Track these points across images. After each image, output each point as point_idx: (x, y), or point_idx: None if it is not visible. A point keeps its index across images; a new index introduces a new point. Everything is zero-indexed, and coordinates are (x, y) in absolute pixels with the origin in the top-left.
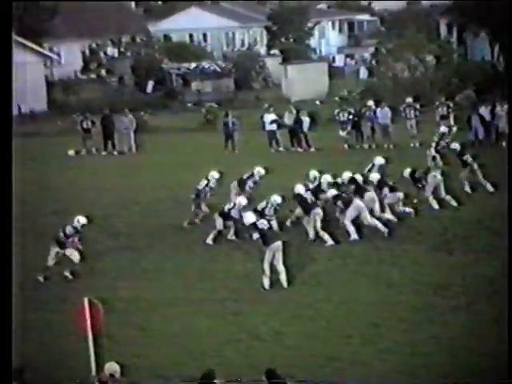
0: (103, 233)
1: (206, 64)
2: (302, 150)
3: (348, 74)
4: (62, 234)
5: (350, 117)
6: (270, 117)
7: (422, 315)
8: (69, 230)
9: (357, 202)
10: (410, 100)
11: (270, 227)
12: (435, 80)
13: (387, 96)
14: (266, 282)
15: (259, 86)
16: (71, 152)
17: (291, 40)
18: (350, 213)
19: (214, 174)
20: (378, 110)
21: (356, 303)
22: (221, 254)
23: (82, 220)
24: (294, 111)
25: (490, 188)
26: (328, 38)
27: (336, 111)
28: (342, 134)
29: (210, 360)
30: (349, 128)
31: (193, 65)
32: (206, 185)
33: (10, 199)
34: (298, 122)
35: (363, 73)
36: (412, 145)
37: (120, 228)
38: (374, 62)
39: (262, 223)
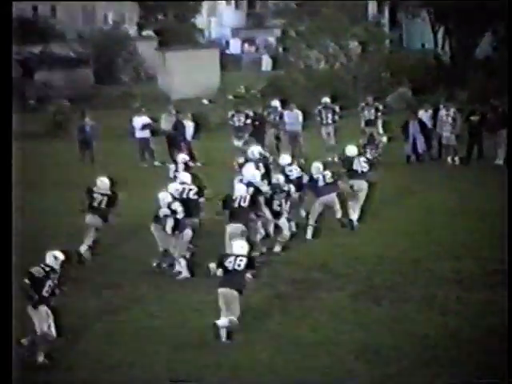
0: None
1: (55, 47)
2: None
3: (246, 64)
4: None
5: (248, 121)
6: (141, 120)
7: None
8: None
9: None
10: (327, 100)
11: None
12: (360, 74)
13: (297, 94)
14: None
15: (128, 78)
16: None
17: (171, 17)
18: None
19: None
20: (286, 112)
21: (260, 369)
22: None
23: (60, 256)
24: (174, 113)
25: None
26: (220, 16)
27: (230, 114)
28: (238, 143)
29: None
30: (246, 136)
31: (37, 48)
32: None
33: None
34: (178, 127)
35: (266, 63)
36: (330, 159)
37: None
38: (280, 49)
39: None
